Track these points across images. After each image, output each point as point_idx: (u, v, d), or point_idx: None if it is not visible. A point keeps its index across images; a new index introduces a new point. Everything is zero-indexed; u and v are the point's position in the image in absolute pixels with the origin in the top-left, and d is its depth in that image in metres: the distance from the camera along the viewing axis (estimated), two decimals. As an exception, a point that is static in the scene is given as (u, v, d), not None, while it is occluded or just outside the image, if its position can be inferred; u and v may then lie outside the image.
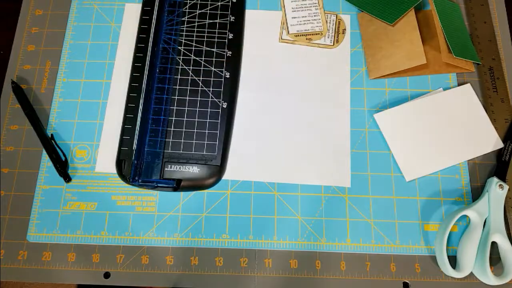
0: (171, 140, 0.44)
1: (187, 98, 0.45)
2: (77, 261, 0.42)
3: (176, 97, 0.45)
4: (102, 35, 0.49)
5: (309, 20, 0.49)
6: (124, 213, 0.43)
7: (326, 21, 0.49)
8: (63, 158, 0.44)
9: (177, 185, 0.42)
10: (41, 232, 0.43)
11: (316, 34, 0.49)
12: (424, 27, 0.48)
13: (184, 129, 0.44)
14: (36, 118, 0.46)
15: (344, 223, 0.43)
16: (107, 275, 0.42)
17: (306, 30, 0.49)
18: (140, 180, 0.42)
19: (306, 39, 0.49)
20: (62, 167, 0.44)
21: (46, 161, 0.45)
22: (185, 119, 0.45)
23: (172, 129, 0.44)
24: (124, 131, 0.44)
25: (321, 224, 0.43)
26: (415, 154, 0.44)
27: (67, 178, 0.44)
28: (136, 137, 0.43)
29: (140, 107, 0.44)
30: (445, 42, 0.46)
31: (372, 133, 0.46)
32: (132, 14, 0.50)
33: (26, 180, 0.45)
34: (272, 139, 0.45)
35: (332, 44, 0.49)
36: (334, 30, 0.49)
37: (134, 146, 0.43)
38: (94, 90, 0.47)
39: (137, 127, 0.43)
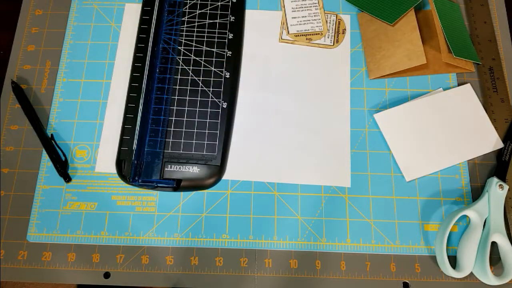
0: (171, 140, 0.44)
1: (187, 98, 0.45)
2: (77, 261, 0.42)
3: (176, 97, 0.45)
4: (102, 35, 0.49)
5: (309, 20, 0.49)
6: (124, 213, 0.43)
7: (326, 21, 0.49)
8: (63, 158, 0.44)
9: (177, 185, 0.42)
10: (41, 232, 0.43)
11: (316, 34, 0.49)
12: (424, 27, 0.48)
13: (184, 129, 0.44)
14: (36, 118, 0.46)
15: (344, 223, 0.43)
16: (107, 275, 0.42)
17: (306, 30, 0.49)
18: (140, 180, 0.42)
19: (306, 39, 0.49)
20: (62, 167, 0.44)
21: (46, 161, 0.45)
22: (185, 119, 0.45)
23: (172, 129, 0.44)
24: (124, 131, 0.44)
25: (321, 224, 0.43)
26: (415, 154, 0.44)
27: (67, 178, 0.44)
28: (136, 137, 0.43)
29: (140, 107, 0.44)
30: (445, 42, 0.46)
31: (372, 133, 0.46)
32: (132, 14, 0.50)
33: (26, 180, 0.45)
34: (272, 139, 0.45)
35: (332, 44, 0.49)
36: (334, 30, 0.49)
37: (134, 146, 0.43)
38: (94, 90, 0.47)
39: (137, 127, 0.43)
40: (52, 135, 0.45)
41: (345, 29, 0.49)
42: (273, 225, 0.43)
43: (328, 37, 0.49)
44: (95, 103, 0.47)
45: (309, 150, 0.45)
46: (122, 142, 0.44)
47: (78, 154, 0.45)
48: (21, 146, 0.46)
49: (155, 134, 0.44)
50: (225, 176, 0.44)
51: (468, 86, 0.46)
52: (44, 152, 0.45)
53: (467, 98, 0.46)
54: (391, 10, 0.47)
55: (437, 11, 0.47)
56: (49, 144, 0.45)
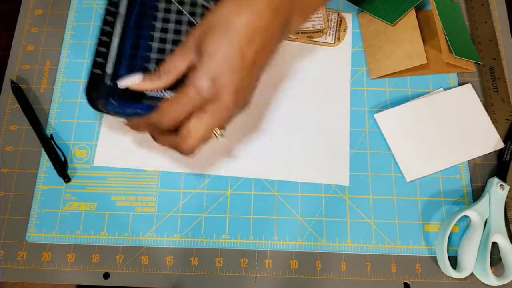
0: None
1: None
2: (77, 262, 0.42)
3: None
4: (102, 35, 0.49)
5: (311, 18, 0.49)
6: (124, 213, 0.43)
7: (328, 19, 0.49)
8: (63, 158, 0.44)
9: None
10: (40, 232, 0.43)
11: (317, 32, 0.49)
12: (424, 27, 0.48)
13: None
14: (35, 118, 0.46)
15: (344, 223, 0.43)
16: (106, 276, 0.42)
17: (307, 27, 0.49)
18: (114, 102, 0.35)
19: (307, 36, 0.49)
20: (62, 167, 0.44)
21: (45, 161, 0.45)
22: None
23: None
24: (100, 43, 0.37)
25: (321, 224, 0.43)
26: (416, 154, 0.44)
27: (67, 178, 0.44)
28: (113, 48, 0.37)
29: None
30: (446, 42, 0.46)
31: (373, 133, 0.46)
32: (131, 13, 0.50)
33: (26, 180, 0.44)
34: (271, 137, 0.45)
35: (333, 42, 0.49)
36: (335, 28, 0.49)
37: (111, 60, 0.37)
38: (93, 90, 0.47)
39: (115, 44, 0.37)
40: (51, 135, 0.45)
41: (346, 27, 0.49)
42: (273, 226, 0.43)
43: (329, 35, 0.49)
44: (94, 103, 0.47)
45: (308, 149, 0.45)
46: (97, 54, 0.37)
47: (77, 154, 0.45)
48: (20, 146, 0.46)
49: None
50: (225, 174, 0.44)
51: (468, 86, 0.46)
52: (44, 152, 0.45)
53: (467, 98, 0.46)
54: (391, 10, 0.47)
55: (438, 11, 0.46)
56: (49, 144, 0.45)
